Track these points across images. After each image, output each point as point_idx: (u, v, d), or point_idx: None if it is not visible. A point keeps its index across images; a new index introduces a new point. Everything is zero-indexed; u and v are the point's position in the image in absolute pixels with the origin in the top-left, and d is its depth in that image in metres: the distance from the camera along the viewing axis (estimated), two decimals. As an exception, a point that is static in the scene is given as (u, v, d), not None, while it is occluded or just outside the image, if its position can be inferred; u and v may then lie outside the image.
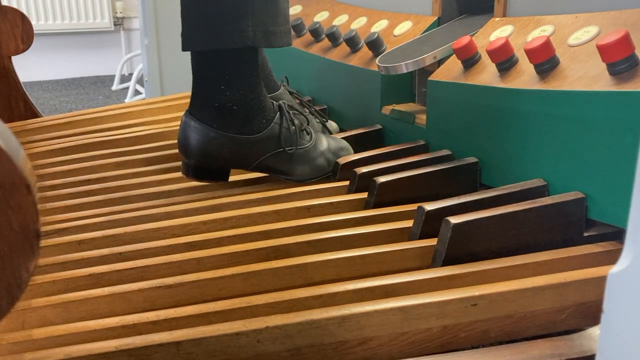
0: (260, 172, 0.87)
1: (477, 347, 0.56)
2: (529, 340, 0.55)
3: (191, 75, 0.84)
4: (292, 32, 1.27)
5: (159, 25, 1.56)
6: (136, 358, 0.50)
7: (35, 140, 1.20)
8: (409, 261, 0.67)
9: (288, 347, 0.52)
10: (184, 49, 0.81)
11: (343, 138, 0.99)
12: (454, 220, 0.65)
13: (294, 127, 0.86)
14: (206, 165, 0.83)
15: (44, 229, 0.76)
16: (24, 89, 1.51)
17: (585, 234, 0.69)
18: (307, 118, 0.95)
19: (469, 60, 0.84)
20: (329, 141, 0.92)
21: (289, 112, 0.87)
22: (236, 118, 0.82)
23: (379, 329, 0.54)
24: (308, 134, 0.90)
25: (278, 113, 0.86)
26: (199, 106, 0.82)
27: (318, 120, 1.06)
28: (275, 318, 0.53)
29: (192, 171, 0.84)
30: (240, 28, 0.77)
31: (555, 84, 0.71)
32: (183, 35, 0.81)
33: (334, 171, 0.90)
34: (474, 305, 0.56)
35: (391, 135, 1.01)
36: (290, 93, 1.08)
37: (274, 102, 0.87)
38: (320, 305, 0.57)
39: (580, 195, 0.68)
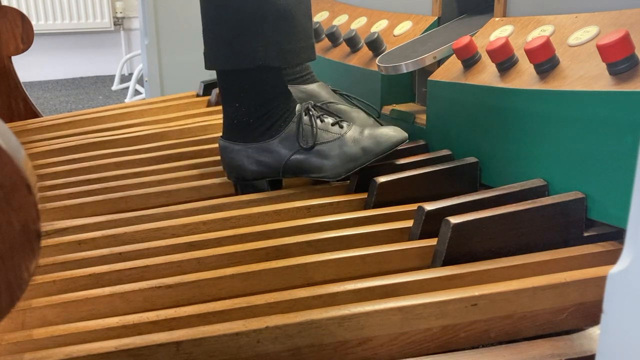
0: (293, 175, 0.86)
1: (477, 347, 0.56)
2: (529, 340, 0.55)
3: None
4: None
5: (159, 25, 1.56)
6: (136, 358, 0.50)
7: (35, 140, 1.20)
8: (409, 261, 0.67)
9: (288, 347, 0.52)
10: (205, 68, 0.85)
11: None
12: (454, 220, 0.65)
13: (320, 122, 0.85)
14: (242, 179, 0.86)
15: (44, 229, 0.76)
16: (24, 89, 1.51)
17: (585, 234, 0.69)
18: (344, 113, 0.91)
19: (469, 60, 0.84)
20: (372, 128, 0.87)
21: (316, 110, 0.86)
22: (255, 129, 0.84)
23: (379, 329, 0.54)
24: (341, 127, 0.86)
25: (297, 114, 0.84)
26: (225, 126, 0.85)
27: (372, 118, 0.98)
28: (275, 318, 0.53)
29: (236, 188, 0.87)
30: (251, 48, 0.79)
31: (555, 84, 0.71)
32: (204, 55, 0.84)
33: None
34: (474, 305, 0.56)
35: (391, 135, 1.00)
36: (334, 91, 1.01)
37: (298, 102, 0.86)
38: (320, 305, 0.57)
39: (580, 195, 0.68)
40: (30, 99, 1.52)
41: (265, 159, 0.84)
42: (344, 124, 0.86)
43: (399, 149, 0.92)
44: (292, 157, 0.84)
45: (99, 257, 0.68)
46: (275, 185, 0.88)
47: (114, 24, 3.07)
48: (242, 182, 0.86)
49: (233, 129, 0.85)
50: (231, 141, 0.85)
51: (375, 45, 1.02)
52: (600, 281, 0.55)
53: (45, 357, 0.49)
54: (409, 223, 0.72)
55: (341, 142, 0.84)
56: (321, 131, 0.84)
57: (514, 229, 0.67)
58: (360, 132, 0.85)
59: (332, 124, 0.85)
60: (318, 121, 0.85)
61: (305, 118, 0.84)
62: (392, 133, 0.86)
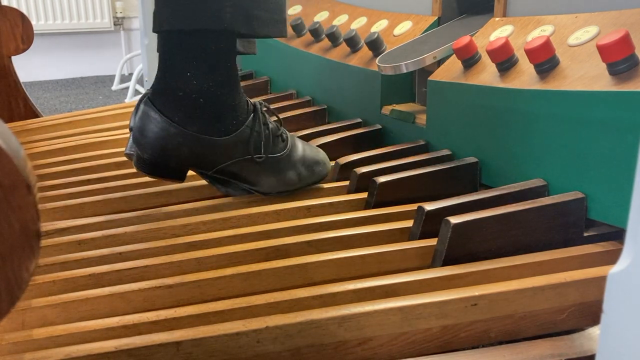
0: (223, 177, 0.78)
1: (477, 347, 0.56)
2: (529, 340, 0.55)
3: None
4: (292, 32, 1.27)
5: (159, 25, 1.56)
6: (136, 358, 0.50)
7: (35, 140, 1.20)
8: (409, 261, 0.67)
9: (288, 347, 0.52)
10: (153, 31, 0.73)
11: (343, 138, 0.99)
12: (454, 220, 0.65)
13: (267, 132, 0.78)
14: (162, 162, 0.74)
15: (44, 228, 0.76)
16: (24, 89, 1.51)
17: (585, 234, 0.69)
18: (279, 120, 0.83)
19: (469, 60, 0.84)
20: (305, 150, 0.83)
21: (264, 115, 0.78)
22: (201, 114, 0.73)
23: (379, 329, 0.54)
24: (283, 140, 0.81)
25: (252, 115, 0.77)
26: (161, 93, 0.72)
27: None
28: (275, 318, 0.53)
29: (146, 167, 0.75)
30: (215, 7, 0.69)
31: (555, 84, 0.71)
32: (154, 15, 0.72)
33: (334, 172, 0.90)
34: (474, 305, 0.56)
35: (391, 135, 1.01)
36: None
37: (249, 100, 0.78)
38: (320, 305, 0.57)
39: (580, 195, 0.68)
40: (30, 99, 1.52)
41: (204, 153, 0.74)
42: (286, 136, 0.81)
43: (398, 149, 0.92)
44: (236, 162, 0.76)
45: (99, 257, 0.68)
46: (180, 176, 0.78)
47: (114, 24, 3.07)
48: (158, 164, 0.74)
49: (173, 103, 0.72)
50: (165, 116, 0.71)
51: (375, 45, 1.02)
52: (600, 281, 0.55)
53: (45, 357, 0.49)
54: (409, 223, 0.72)
55: (284, 161, 0.80)
56: (271, 143, 0.78)
57: (514, 229, 0.67)
58: (296, 151, 0.81)
59: (276, 135, 0.79)
60: (266, 131, 0.77)
61: (256, 124, 0.76)
62: (323, 168, 0.84)
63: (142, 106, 0.73)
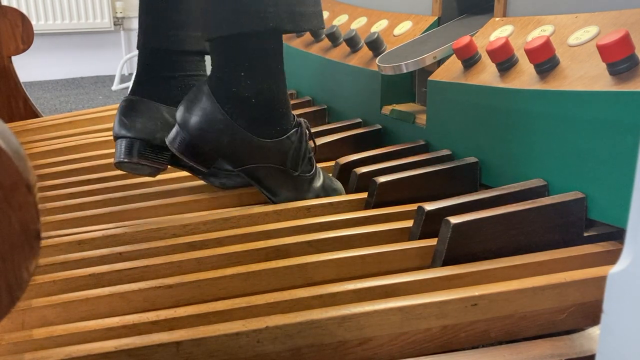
0: (245, 176, 0.78)
1: (477, 347, 0.56)
2: (529, 340, 0.55)
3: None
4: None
5: (159, 25, 1.56)
6: (136, 358, 0.50)
7: (35, 140, 1.20)
8: (409, 261, 0.67)
9: (288, 347, 0.52)
10: (206, 39, 0.74)
11: (343, 138, 0.99)
12: (454, 220, 0.65)
13: (304, 151, 0.79)
14: (197, 144, 0.74)
15: (44, 228, 0.76)
16: (24, 89, 1.51)
17: (585, 234, 0.69)
18: (315, 146, 0.85)
19: (469, 60, 0.84)
20: (325, 179, 0.84)
21: (306, 133, 0.80)
22: (250, 111, 0.74)
23: (379, 329, 0.54)
24: (311, 164, 0.82)
25: (295, 129, 0.78)
26: (215, 82, 0.74)
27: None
28: (275, 318, 0.53)
29: (180, 145, 0.75)
30: (260, 8, 0.70)
31: (555, 84, 0.71)
32: (200, 26, 0.74)
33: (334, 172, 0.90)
34: (474, 305, 0.56)
35: (391, 135, 1.01)
36: None
37: (294, 115, 0.79)
38: (320, 305, 0.57)
39: (580, 195, 0.68)
40: (30, 99, 1.52)
41: (240, 148, 0.75)
42: (313, 160, 0.82)
43: (398, 149, 0.92)
44: (266, 167, 0.77)
45: (99, 257, 0.68)
46: (207, 164, 0.78)
47: (114, 24, 3.06)
48: (192, 146, 0.74)
49: (226, 93, 0.73)
50: (217, 104, 0.73)
51: (375, 45, 1.02)
52: (600, 281, 0.55)
53: (45, 357, 0.49)
54: (409, 223, 0.72)
55: (307, 183, 0.81)
56: (305, 162, 0.79)
57: (514, 229, 0.67)
58: (318, 178, 0.83)
59: (308, 157, 0.80)
60: (304, 147, 0.78)
61: (297, 139, 0.77)
62: (340, 188, 0.85)
63: (198, 85, 0.75)
